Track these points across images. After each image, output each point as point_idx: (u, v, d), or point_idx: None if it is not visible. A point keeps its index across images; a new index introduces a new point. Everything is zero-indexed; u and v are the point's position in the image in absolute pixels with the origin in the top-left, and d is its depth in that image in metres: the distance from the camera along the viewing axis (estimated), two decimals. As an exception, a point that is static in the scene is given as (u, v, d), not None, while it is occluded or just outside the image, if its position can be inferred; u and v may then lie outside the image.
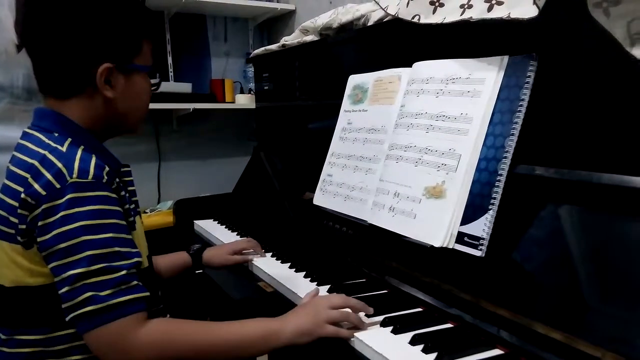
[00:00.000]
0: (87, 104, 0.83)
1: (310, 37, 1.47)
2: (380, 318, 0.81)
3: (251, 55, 1.85)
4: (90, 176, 0.75)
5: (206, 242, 1.46)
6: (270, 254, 1.21)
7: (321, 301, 0.81)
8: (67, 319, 0.75)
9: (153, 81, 0.92)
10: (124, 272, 0.75)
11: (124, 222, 0.79)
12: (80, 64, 0.80)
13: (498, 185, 0.78)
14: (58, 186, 0.73)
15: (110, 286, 0.74)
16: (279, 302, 0.99)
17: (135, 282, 0.76)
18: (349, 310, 0.80)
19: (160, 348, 0.75)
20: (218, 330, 0.78)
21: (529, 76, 0.78)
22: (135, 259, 0.77)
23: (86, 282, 0.73)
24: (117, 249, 0.75)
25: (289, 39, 1.56)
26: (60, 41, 0.80)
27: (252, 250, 1.21)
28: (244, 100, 2.45)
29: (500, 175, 0.78)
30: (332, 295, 0.86)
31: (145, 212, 2.26)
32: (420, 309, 0.86)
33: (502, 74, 0.82)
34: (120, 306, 0.73)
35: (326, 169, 1.22)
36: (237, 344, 0.77)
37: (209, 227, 1.54)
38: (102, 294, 0.73)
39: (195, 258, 1.18)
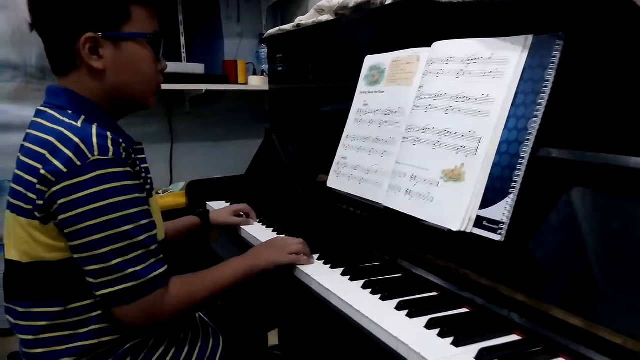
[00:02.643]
0: (83, 78, 0.82)
1: (325, 17, 1.44)
2: (395, 302, 0.80)
3: (265, 35, 1.82)
4: (111, 153, 0.76)
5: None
6: (283, 236, 1.20)
7: (283, 238, 1.05)
8: (97, 293, 0.77)
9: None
10: (154, 247, 0.79)
11: (143, 195, 0.81)
12: (64, 36, 0.80)
13: (519, 169, 0.76)
14: (79, 163, 0.74)
15: (146, 260, 0.78)
16: (294, 285, 0.99)
17: (161, 255, 0.81)
18: (302, 241, 1.01)
19: (182, 306, 0.84)
20: (217, 275, 0.91)
21: (555, 56, 0.76)
22: (155, 231, 0.81)
23: (122, 259, 0.75)
24: (143, 222, 0.78)
25: (304, 19, 1.53)
26: (45, 14, 0.80)
27: (247, 216, 1.35)
28: (257, 82, 2.43)
29: (522, 158, 0.76)
30: (289, 237, 1.07)
31: (157, 193, 2.27)
32: (435, 293, 0.85)
33: (526, 53, 0.80)
34: (156, 279, 0.79)
35: (341, 151, 1.20)
36: (231, 281, 0.92)
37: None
38: (140, 268, 0.77)
39: (203, 218, 1.29)
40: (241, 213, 1.35)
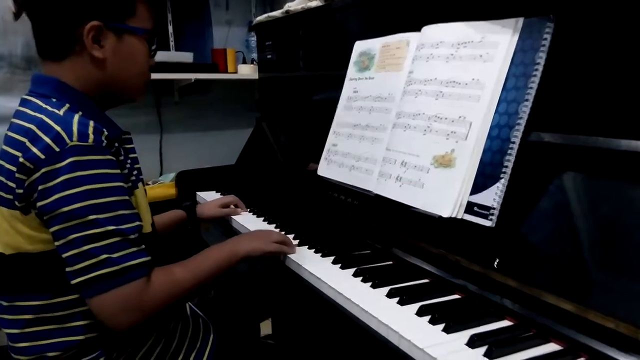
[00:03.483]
0: (79, 65, 0.82)
1: (315, 3, 1.42)
2: (386, 289, 0.79)
3: (253, 22, 1.80)
4: (91, 140, 0.74)
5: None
6: (275, 225, 1.19)
7: (264, 230, 1.08)
8: (72, 282, 0.74)
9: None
10: (133, 236, 0.76)
11: (125, 185, 0.79)
12: (68, 22, 0.79)
13: (510, 154, 0.75)
14: (57, 149, 0.72)
15: (122, 249, 0.75)
16: (285, 275, 0.98)
17: (142, 246, 0.78)
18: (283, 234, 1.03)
19: (165, 300, 0.81)
20: (199, 265, 0.89)
21: (545, 39, 0.74)
22: (137, 222, 0.78)
23: (96, 245, 0.73)
24: (121, 212, 0.76)
25: (293, 5, 1.51)
26: None
27: (235, 207, 1.34)
28: (247, 71, 2.41)
29: (513, 142, 0.75)
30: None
31: (147, 184, 2.25)
32: (426, 280, 0.84)
33: (516, 36, 0.79)
34: (134, 269, 0.75)
35: (331, 138, 1.19)
36: (215, 269, 0.90)
37: (212, 198, 1.52)
38: (115, 255, 0.74)
39: (189, 212, 1.27)
40: (230, 205, 1.33)
